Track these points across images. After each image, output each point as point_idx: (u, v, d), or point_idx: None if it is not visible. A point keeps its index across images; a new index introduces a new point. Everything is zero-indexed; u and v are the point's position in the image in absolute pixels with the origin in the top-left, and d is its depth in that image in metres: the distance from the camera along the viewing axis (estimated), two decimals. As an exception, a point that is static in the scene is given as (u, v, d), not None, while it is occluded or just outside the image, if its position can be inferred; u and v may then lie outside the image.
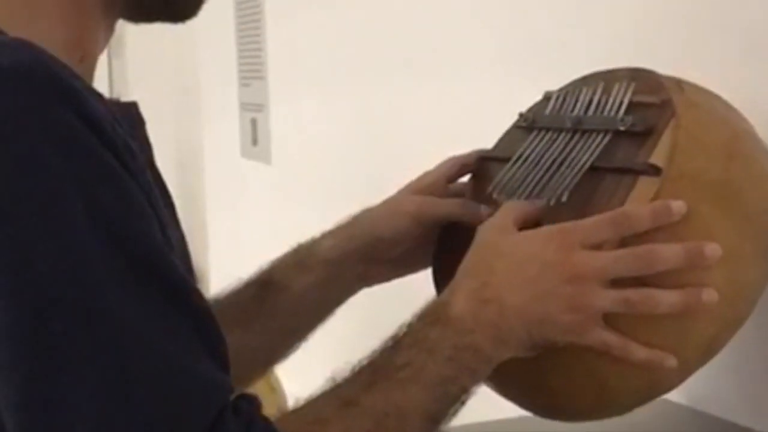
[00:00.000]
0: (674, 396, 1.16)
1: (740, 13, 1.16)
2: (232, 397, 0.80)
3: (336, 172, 2.31)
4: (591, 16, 1.41)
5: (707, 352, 0.95)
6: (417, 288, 1.08)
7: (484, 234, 0.96)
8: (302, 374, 0.95)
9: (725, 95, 1.03)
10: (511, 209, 0.98)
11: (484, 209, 1.06)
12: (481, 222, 0.99)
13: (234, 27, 2.95)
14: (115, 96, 4.30)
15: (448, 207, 1.11)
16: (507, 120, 1.13)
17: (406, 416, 0.87)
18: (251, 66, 2.85)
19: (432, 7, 1.87)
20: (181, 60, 3.53)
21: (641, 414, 1.00)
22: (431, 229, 1.11)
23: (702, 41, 1.22)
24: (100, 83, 0.91)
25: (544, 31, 1.52)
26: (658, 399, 1.02)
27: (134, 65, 4.26)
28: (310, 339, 1.18)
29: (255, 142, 2.85)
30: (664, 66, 1.04)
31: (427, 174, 1.15)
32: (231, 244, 3.11)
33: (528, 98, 1.13)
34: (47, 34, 0.86)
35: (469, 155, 1.14)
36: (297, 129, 2.58)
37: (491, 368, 0.92)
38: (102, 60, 0.96)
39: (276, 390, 2.36)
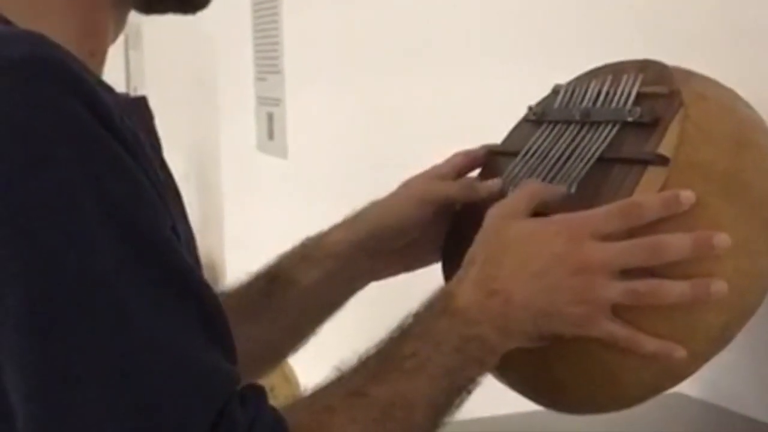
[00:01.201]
0: (692, 391, 1.16)
1: (750, 11, 1.16)
2: (239, 387, 0.80)
3: (351, 166, 2.32)
4: (601, 8, 1.41)
5: (717, 343, 0.95)
6: (428, 279, 1.08)
7: (493, 219, 0.95)
8: (317, 365, 0.95)
9: (736, 88, 1.02)
10: (524, 193, 0.97)
11: (488, 186, 1.06)
12: (487, 204, 0.98)
13: (251, 21, 2.96)
14: (131, 89, 4.31)
15: (449, 187, 1.11)
16: (520, 113, 1.13)
17: (413, 406, 0.87)
18: (268, 60, 2.86)
19: (445, 1, 1.87)
20: (197, 54, 3.54)
21: (658, 409, 1.00)
22: (438, 216, 1.11)
23: (711, 34, 1.22)
24: (117, 76, 0.92)
25: (554, 24, 1.52)
26: (674, 393, 1.02)
27: (151, 59, 4.27)
28: (325, 331, 1.18)
29: (271, 136, 2.86)
30: (673, 58, 1.04)
31: (435, 167, 1.15)
32: (247, 238, 3.11)
33: (541, 92, 1.13)
34: (58, 27, 0.86)
35: (478, 149, 1.14)
36: (313, 123, 2.58)
37: (497, 359, 0.91)
38: (119, 53, 0.97)
39: (290, 380, 2.36)
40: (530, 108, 1.11)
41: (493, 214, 0.96)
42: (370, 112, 2.22)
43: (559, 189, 0.99)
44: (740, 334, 0.97)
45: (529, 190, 0.98)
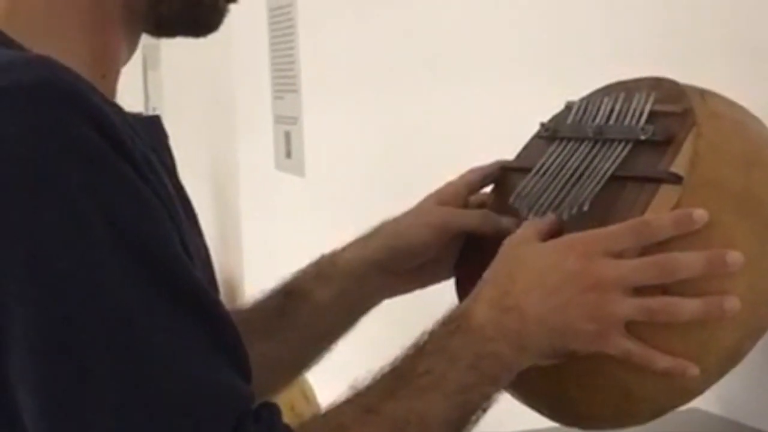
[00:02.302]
0: (709, 407, 1.15)
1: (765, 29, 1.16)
2: (253, 405, 0.80)
3: (369, 184, 2.32)
4: (616, 24, 1.41)
5: (730, 359, 0.95)
6: (444, 295, 1.08)
7: (507, 246, 0.96)
8: (336, 383, 0.95)
9: (749, 106, 1.02)
10: (535, 223, 0.98)
11: (506, 222, 1.06)
12: (502, 234, 0.99)
13: (267, 40, 2.97)
14: (150, 109, 4.34)
15: (469, 219, 1.11)
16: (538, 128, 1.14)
17: (427, 424, 0.87)
18: (285, 79, 2.87)
19: (462, 18, 1.87)
20: (215, 73, 3.55)
21: (675, 425, 1.00)
22: (452, 240, 1.12)
23: (725, 53, 1.22)
24: (136, 96, 0.93)
25: (571, 43, 1.52)
26: (691, 409, 1.01)
27: (169, 78, 4.29)
28: (344, 349, 1.18)
29: (288, 154, 2.86)
30: (686, 75, 1.04)
31: (449, 184, 1.15)
32: (265, 256, 3.12)
33: (558, 106, 1.13)
34: (69, 50, 0.87)
35: (491, 166, 1.15)
36: (330, 141, 2.58)
37: (512, 376, 0.92)
38: (137, 73, 0.97)
39: (310, 399, 2.36)
40: (542, 124, 1.11)
41: (509, 241, 0.96)
42: (387, 130, 2.22)
43: (553, 218, 0.99)
44: (758, 349, 0.96)
45: (538, 221, 0.98)
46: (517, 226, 1.02)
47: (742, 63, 1.19)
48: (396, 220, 1.14)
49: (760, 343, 0.98)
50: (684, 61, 1.25)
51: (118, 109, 0.83)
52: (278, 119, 2.94)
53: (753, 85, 1.15)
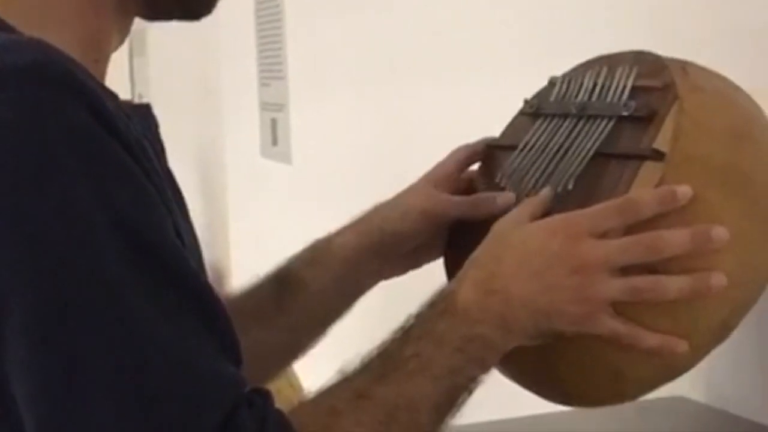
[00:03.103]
0: (696, 395, 1.16)
1: (746, 11, 1.16)
2: (246, 390, 0.80)
3: (355, 172, 2.32)
4: (610, 14, 1.41)
5: (718, 335, 0.95)
6: (430, 279, 1.08)
7: (497, 227, 0.96)
8: (320, 369, 0.95)
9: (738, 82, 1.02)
10: (528, 205, 0.98)
11: (499, 201, 1.06)
12: (492, 215, 0.99)
13: (254, 27, 2.96)
14: (136, 96, 4.32)
15: (462, 208, 1.11)
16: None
17: (416, 407, 0.87)
18: (271, 66, 2.86)
19: (450, 8, 1.87)
20: (201, 60, 3.54)
21: (662, 413, 1.00)
22: (444, 225, 1.12)
23: (713, 36, 1.22)
24: (122, 83, 0.92)
25: (563, 35, 1.52)
26: (678, 397, 1.02)
27: (155, 65, 4.27)
28: (330, 337, 1.18)
29: (275, 142, 2.86)
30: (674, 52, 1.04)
31: (439, 166, 1.15)
32: (252, 243, 3.12)
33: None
34: (62, 35, 0.87)
35: (477, 143, 1.15)
36: (317, 129, 2.58)
37: (499, 357, 0.92)
38: (123, 60, 0.97)
39: (296, 387, 2.36)
40: (526, 101, 1.11)
41: (499, 223, 0.96)
42: (374, 117, 2.22)
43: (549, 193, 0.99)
44: (744, 337, 0.97)
45: (528, 203, 0.98)
46: (510, 203, 1.02)
47: (730, 46, 1.19)
48: (389, 204, 1.14)
49: (746, 332, 0.98)
50: (670, 47, 1.25)
51: (112, 95, 0.83)
52: (265, 106, 2.94)
53: (742, 68, 1.15)
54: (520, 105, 1.13)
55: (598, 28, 1.45)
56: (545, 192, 0.99)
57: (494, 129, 1.17)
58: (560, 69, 1.12)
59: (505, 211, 1.00)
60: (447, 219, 1.11)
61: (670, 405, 0.99)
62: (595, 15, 1.45)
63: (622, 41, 1.35)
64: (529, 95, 1.13)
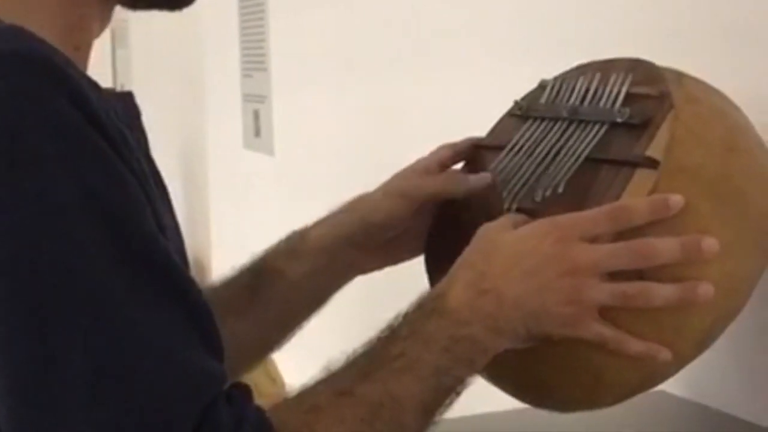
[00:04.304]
0: (675, 390, 1.16)
1: (738, 11, 1.16)
2: (226, 386, 0.80)
3: (338, 164, 2.32)
4: (597, 10, 1.41)
5: (702, 344, 0.95)
6: (417, 277, 1.08)
7: (483, 230, 0.96)
8: (302, 363, 0.95)
9: (726, 89, 1.03)
10: (512, 217, 0.98)
11: (472, 181, 1.06)
12: (472, 209, 1.00)
13: (237, 18, 2.95)
14: (118, 87, 4.29)
15: (438, 182, 1.11)
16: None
17: (401, 406, 0.87)
18: (254, 57, 2.86)
19: (434, -1, 1.87)
20: (184, 51, 3.53)
21: (641, 408, 1.01)
22: (423, 210, 1.11)
23: (702, 33, 1.22)
24: (104, 74, 0.92)
25: (550, 25, 1.52)
26: (658, 392, 1.02)
27: (138, 56, 4.26)
28: (310, 329, 1.18)
29: (257, 133, 2.85)
30: (663, 58, 1.04)
31: (421, 160, 1.14)
32: (234, 235, 3.11)
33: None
34: (43, 22, 0.86)
35: (463, 142, 1.14)
36: (299, 120, 2.58)
37: (487, 359, 0.91)
38: (106, 50, 0.96)
39: (275, 380, 2.36)
40: (516, 102, 1.11)
41: (485, 227, 0.96)
42: (357, 109, 2.22)
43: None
44: (724, 333, 0.97)
45: (517, 216, 0.98)
46: (485, 187, 1.02)
47: (720, 46, 1.19)
48: (366, 196, 1.14)
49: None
50: (662, 44, 1.26)
51: (93, 84, 0.82)
52: (247, 98, 2.93)
53: (731, 69, 1.15)
54: (503, 97, 1.13)
55: (577, 14, 1.45)
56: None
57: (477, 121, 1.16)
58: (545, 59, 1.12)
59: (479, 189, 1.00)
60: (423, 197, 1.11)
61: (650, 399, 1.00)
62: (584, 7, 1.45)
63: (605, 32, 1.36)
64: (513, 87, 1.12)
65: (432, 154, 1.15)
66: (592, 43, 1.37)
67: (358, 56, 2.19)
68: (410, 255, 1.16)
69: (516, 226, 0.95)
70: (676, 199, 0.91)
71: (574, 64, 1.10)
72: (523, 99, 1.11)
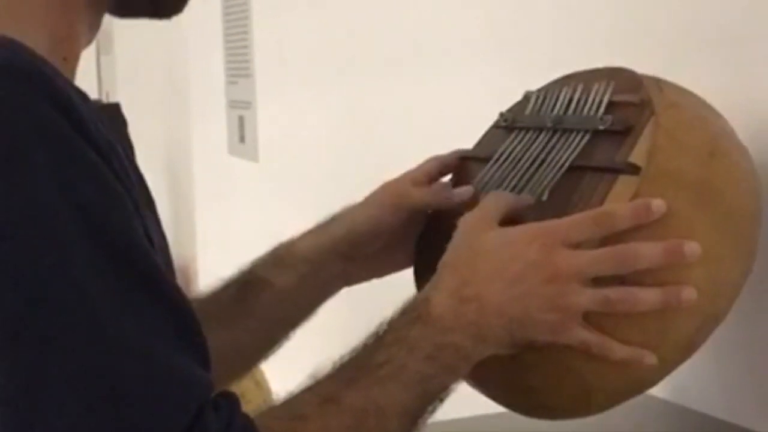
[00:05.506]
0: (657, 392, 1.17)
1: (722, 19, 1.17)
2: (213, 394, 0.80)
3: (323, 170, 2.32)
4: (580, 18, 1.42)
5: (687, 349, 0.96)
6: (402, 284, 1.09)
7: (466, 226, 0.96)
8: (289, 371, 0.95)
9: (707, 97, 1.04)
10: (494, 202, 0.98)
11: (458, 193, 1.07)
12: (458, 210, 0.99)
13: (221, 25, 2.96)
14: (103, 94, 4.27)
15: (426, 194, 1.11)
16: (496, 117, 1.14)
17: (386, 413, 0.87)
18: (238, 64, 2.86)
19: (415, 4, 1.87)
20: (168, 57, 3.54)
21: (624, 410, 1.01)
22: (409, 222, 1.12)
23: (686, 42, 1.23)
24: (89, 81, 0.92)
25: (533, 32, 1.52)
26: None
27: (123, 63, 4.26)
28: (296, 336, 1.18)
29: (242, 139, 2.86)
30: (646, 65, 1.05)
31: (409, 173, 1.15)
32: (219, 241, 3.11)
33: (517, 96, 1.13)
34: (31, 32, 0.86)
35: (450, 155, 1.15)
36: (284, 126, 2.58)
37: (471, 366, 0.92)
38: (91, 57, 0.96)
39: (262, 387, 2.36)
40: (501, 114, 1.12)
41: (465, 222, 0.96)
42: (341, 115, 2.22)
43: (527, 199, 0.99)
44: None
45: (499, 199, 0.98)
46: (472, 202, 1.02)
47: (697, 51, 1.20)
48: (354, 206, 1.14)
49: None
50: (642, 51, 1.26)
51: (82, 94, 0.83)
52: (232, 104, 2.93)
53: (708, 74, 1.16)
54: (485, 99, 1.13)
55: (561, 21, 1.46)
56: (513, 194, 1.00)
57: (460, 128, 1.17)
58: (524, 61, 1.12)
59: (464, 201, 1.00)
60: (409, 207, 1.11)
61: (632, 402, 1.00)
62: (560, 7, 1.46)
63: (588, 41, 1.36)
64: (495, 89, 1.13)
65: (420, 166, 1.15)
66: (577, 54, 1.38)
67: (343, 62, 2.20)
68: (397, 267, 1.16)
69: (498, 211, 0.95)
70: (658, 204, 0.91)
71: (560, 72, 1.11)
72: (508, 111, 1.11)
